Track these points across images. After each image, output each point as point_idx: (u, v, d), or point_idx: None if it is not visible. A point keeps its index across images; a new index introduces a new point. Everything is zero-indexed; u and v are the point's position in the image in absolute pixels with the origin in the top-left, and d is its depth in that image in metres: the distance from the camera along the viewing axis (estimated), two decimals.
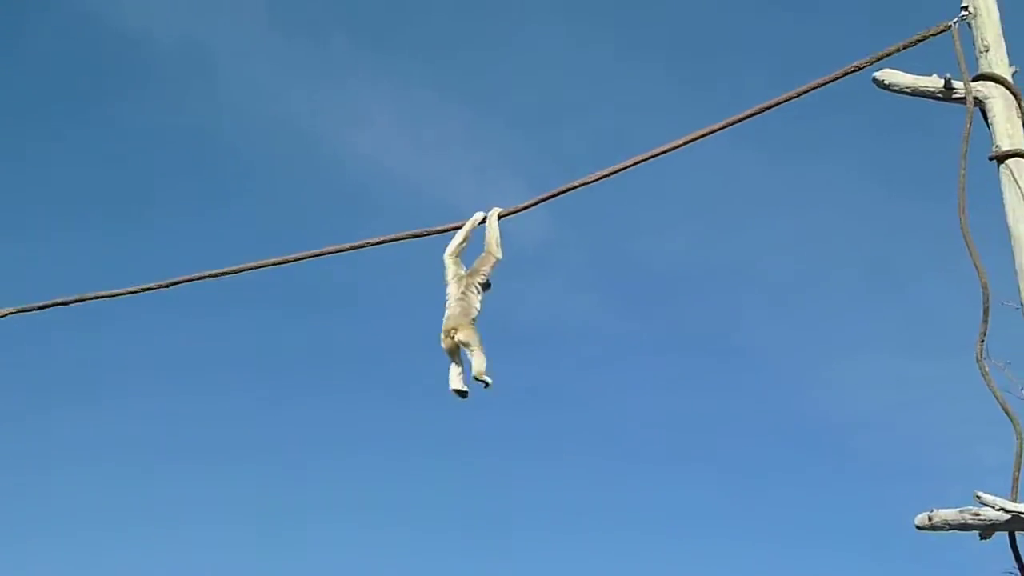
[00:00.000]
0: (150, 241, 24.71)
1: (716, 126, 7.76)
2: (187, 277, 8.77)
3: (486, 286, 8.11)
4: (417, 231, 8.36)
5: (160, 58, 25.58)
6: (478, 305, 8.02)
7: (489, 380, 7.80)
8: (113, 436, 23.33)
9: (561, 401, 24.40)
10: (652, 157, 7.94)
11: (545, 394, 24.01)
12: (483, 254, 8.18)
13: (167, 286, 8.81)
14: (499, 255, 8.15)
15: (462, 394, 7.89)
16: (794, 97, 7.59)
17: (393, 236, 8.39)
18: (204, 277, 8.71)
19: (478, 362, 7.81)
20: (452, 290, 8.05)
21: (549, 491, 23.03)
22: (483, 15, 25.12)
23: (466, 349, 7.86)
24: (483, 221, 8.24)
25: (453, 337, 7.86)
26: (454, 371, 7.92)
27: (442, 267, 8.18)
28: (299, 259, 8.59)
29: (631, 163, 7.97)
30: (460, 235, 8.21)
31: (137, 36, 25.45)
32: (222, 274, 8.63)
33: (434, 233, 8.35)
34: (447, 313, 7.98)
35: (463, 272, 8.12)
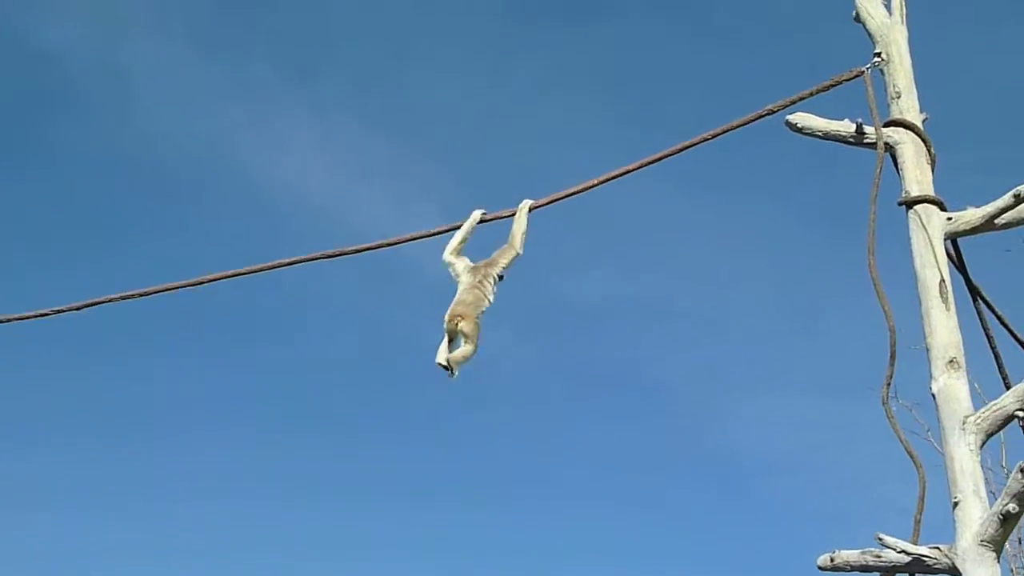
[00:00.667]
0: (62, 265, 24.37)
1: (632, 166, 7.85)
2: (100, 299, 8.61)
3: (500, 278, 7.97)
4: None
5: (77, 77, 25.32)
6: (491, 298, 7.87)
7: (456, 372, 7.72)
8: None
9: (471, 435, 24.37)
10: (580, 192, 7.99)
11: (455, 428, 24.00)
12: (505, 246, 8.03)
13: (79, 308, 8.67)
14: (520, 250, 7.99)
15: (448, 370, 7.76)
16: (709, 139, 7.67)
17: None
18: (115, 299, 8.58)
19: (462, 352, 7.71)
20: (466, 279, 7.90)
21: (457, 530, 22.96)
22: (406, 45, 25.10)
23: (462, 337, 7.77)
24: (482, 221, 8.12)
25: (456, 324, 7.75)
26: (443, 346, 7.80)
27: (446, 266, 8.02)
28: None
29: (582, 188, 7.99)
30: (459, 235, 8.06)
31: (54, 53, 25.15)
32: (139, 295, 8.45)
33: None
34: (458, 297, 7.86)
35: (476, 263, 7.98)
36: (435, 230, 8.19)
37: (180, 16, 24.81)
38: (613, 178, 7.82)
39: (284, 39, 25.62)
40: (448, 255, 8.04)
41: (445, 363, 7.75)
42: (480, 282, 7.89)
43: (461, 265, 7.98)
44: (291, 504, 23.38)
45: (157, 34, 25.12)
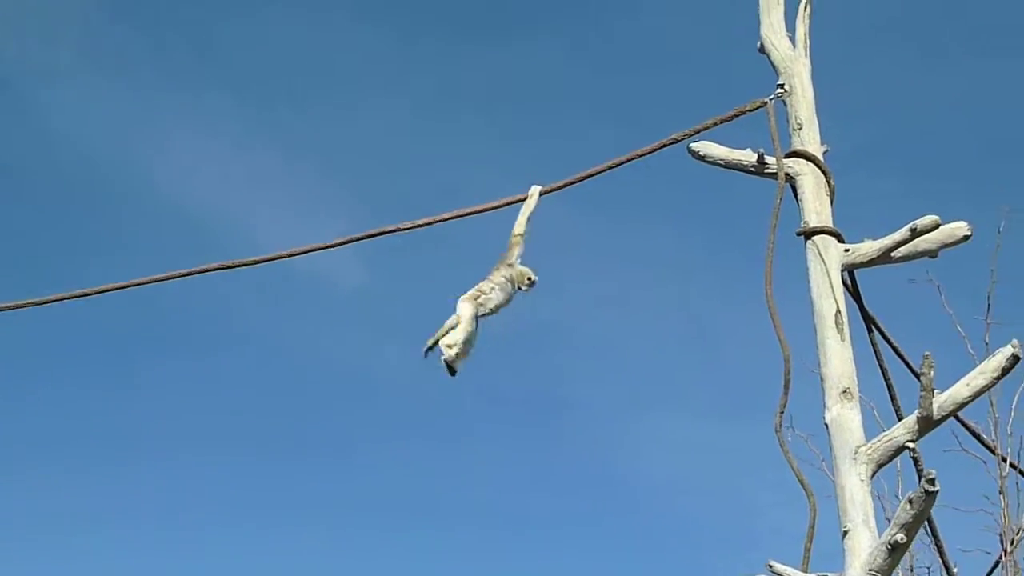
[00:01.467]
0: None
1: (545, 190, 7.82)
2: None
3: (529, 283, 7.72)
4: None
5: None
6: (495, 298, 7.63)
7: (429, 347, 7.51)
8: None
9: (368, 453, 24.18)
10: (477, 212, 7.97)
11: (351, 446, 23.80)
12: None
13: None
14: (519, 237, 7.74)
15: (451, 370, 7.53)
16: (614, 166, 7.72)
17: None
18: None
19: (452, 334, 7.48)
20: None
21: (360, 558, 22.73)
22: (299, 60, 24.88)
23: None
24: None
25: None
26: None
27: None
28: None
29: (476, 210, 7.95)
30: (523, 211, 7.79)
31: None
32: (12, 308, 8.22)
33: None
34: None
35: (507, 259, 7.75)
36: (334, 242, 8.08)
37: (70, 23, 24.35)
38: (515, 202, 7.83)
39: (171, 45, 25.06)
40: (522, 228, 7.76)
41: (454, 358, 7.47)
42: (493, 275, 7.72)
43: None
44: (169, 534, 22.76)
45: (45, 39, 24.52)
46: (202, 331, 24.26)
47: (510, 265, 7.73)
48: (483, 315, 7.62)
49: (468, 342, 7.52)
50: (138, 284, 8.20)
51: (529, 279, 7.73)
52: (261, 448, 23.23)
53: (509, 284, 7.71)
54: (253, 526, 22.36)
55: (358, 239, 8.00)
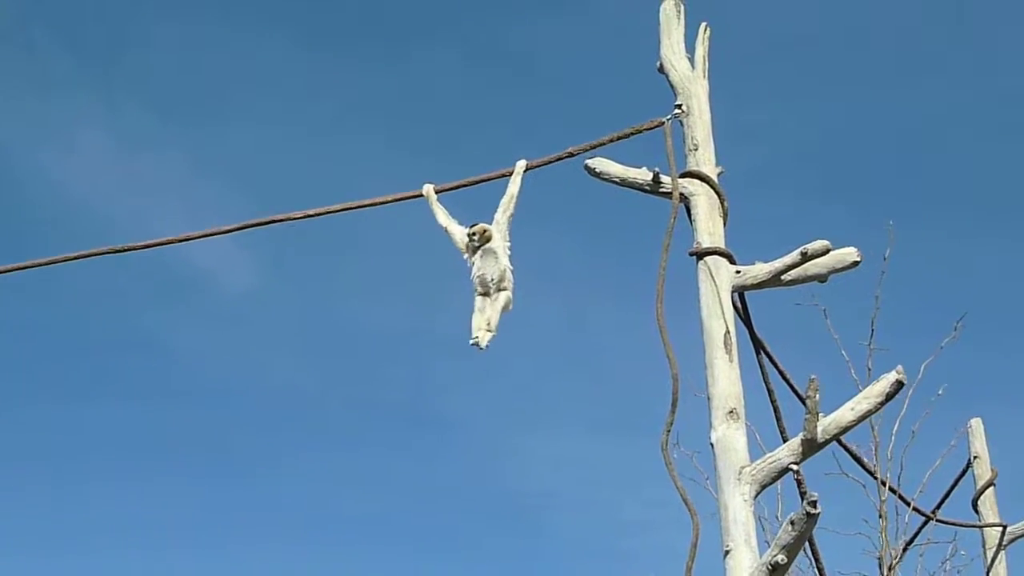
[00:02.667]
0: None
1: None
2: None
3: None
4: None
5: None
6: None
7: (490, 339, 7.54)
8: None
9: (248, 459, 23.86)
10: (363, 207, 7.96)
11: (225, 460, 23.48)
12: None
13: None
14: (499, 216, 7.71)
15: (477, 345, 7.55)
16: (508, 174, 7.71)
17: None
18: None
19: (502, 302, 7.60)
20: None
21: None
22: (205, 61, 24.60)
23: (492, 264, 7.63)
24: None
25: (484, 232, 7.65)
26: (477, 318, 7.61)
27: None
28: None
29: (354, 206, 7.95)
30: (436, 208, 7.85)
31: None
32: None
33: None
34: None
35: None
36: (225, 228, 8.05)
37: None
38: (406, 198, 7.88)
39: (76, 20, 24.57)
40: (442, 220, 7.81)
41: (479, 338, 7.50)
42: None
43: (458, 231, 7.76)
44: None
45: None
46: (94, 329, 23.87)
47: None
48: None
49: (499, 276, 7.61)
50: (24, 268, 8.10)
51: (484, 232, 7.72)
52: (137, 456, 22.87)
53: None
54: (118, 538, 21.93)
55: (248, 226, 7.99)
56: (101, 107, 24.65)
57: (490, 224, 7.65)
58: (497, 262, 7.59)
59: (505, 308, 7.60)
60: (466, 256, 7.67)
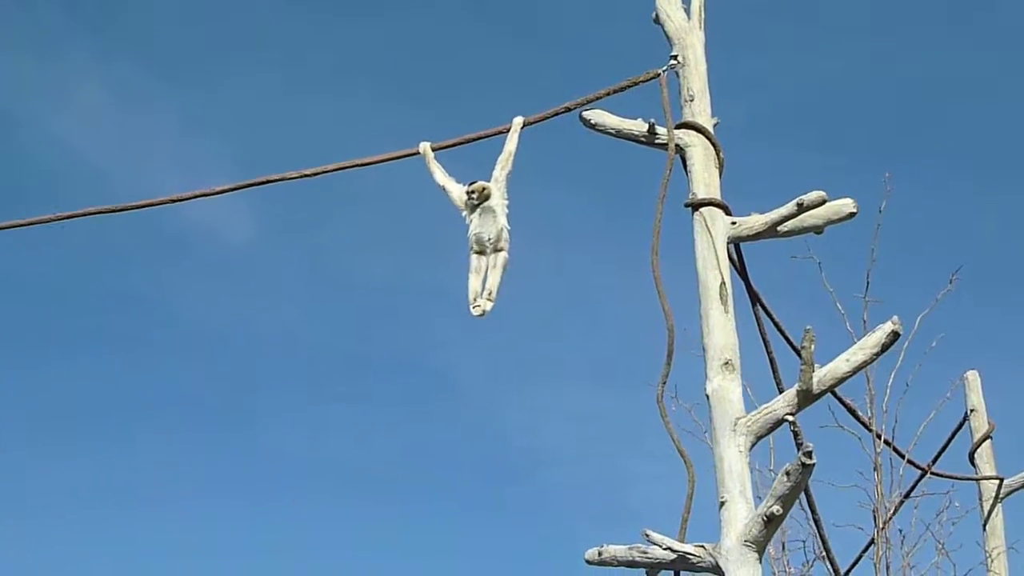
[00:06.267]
0: None
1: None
2: None
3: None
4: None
5: None
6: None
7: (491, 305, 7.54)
8: None
9: (250, 414, 23.87)
10: (359, 166, 7.93)
11: (234, 406, 23.47)
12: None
13: None
14: (497, 173, 7.66)
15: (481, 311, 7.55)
16: (504, 131, 7.66)
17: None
18: None
19: (500, 266, 7.57)
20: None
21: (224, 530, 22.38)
22: (200, 18, 24.42)
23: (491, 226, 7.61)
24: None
25: (483, 190, 7.62)
26: (474, 283, 7.58)
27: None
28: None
29: (348, 165, 7.92)
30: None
31: None
32: None
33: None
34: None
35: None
36: (219, 188, 8.02)
37: None
38: (400, 157, 7.85)
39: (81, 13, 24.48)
40: (439, 179, 7.76)
41: (481, 307, 7.48)
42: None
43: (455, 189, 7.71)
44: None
45: None
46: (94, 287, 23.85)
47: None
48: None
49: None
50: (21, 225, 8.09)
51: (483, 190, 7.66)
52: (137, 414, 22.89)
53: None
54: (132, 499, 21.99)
55: (243, 186, 7.97)
56: (97, 64, 24.48)
57: (488, 182, 7.61)
58: (495, 221, 7.55)
59: (503, 271, 7.57)
60: (464, 214, 7.64)
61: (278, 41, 24.59)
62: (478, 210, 7.56)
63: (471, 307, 7.50)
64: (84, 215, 8.01)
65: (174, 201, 8.01)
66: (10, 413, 22.12)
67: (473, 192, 7.56)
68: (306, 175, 7.90)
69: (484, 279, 7.53)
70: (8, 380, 22.90)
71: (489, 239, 7.53)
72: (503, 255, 7.55)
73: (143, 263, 22.96)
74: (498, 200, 7.59)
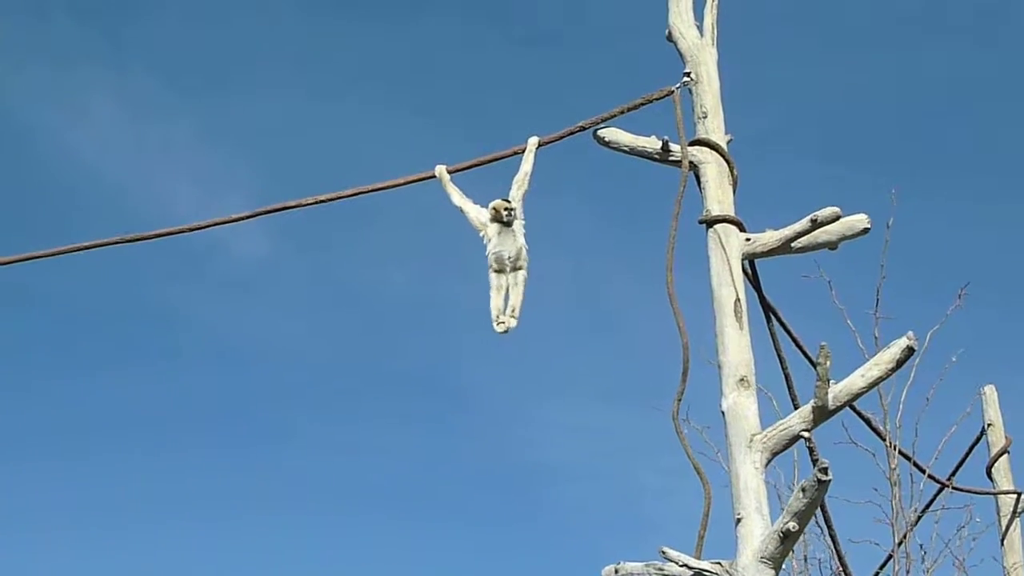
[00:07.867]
0: None
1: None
2: None
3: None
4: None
5: None
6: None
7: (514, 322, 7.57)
8: None
9: (268, 430, 23.89)
10: (375, 191, 7.95)
11: (253, 422, 23.49)
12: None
13: None
14: (514, 193, 7.67)
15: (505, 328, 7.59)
16: (520, 152, 7.68)
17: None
18: None
19: (522, 283, 7.60)
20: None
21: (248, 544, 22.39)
22: (216, 27, 24.47)
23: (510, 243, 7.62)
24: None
25: (506, 207, 7.63)
26: (496, 302, 7.60)
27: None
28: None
29: (380, 187, 7.94)
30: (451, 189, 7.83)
31: None
32: None
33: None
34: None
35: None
36: (235, 216, 8.03)
37: None
38: (417, 180, 7.86)
39: (94, 25, 24.57)
40: (456, 200, 7.78)
41: (506, 324, 7.51)
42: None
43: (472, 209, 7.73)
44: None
45: None
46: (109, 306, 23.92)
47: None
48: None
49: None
50: (38, 257, 8.14)
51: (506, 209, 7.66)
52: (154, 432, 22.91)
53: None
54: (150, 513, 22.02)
55: (260, 213, 7.99)
56: (112, 75, 24.53)
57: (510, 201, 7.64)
58: (515, 240, 7.59)
59: (523, 288, 7.61)
60: (482, 234, 7.67)
61: (294, 52, 24.67)
62: (498, 229, 7.60)
63: (495, 324, 7.54)
64: (108, 244, 8.04)
65: (192, 229, 8.04)
66: (34, 428, 22.25)
67: (510, 210, 7.58)
68: (321, 201, 7.90)
69: (506, 296, 7.58)
70: (30, 396, 23.00)
71: (509, 257, 7.57)
72: (522, 273, 7.59)
73: (157, 279, 23.01)
74: (516, 220, 7.63)
